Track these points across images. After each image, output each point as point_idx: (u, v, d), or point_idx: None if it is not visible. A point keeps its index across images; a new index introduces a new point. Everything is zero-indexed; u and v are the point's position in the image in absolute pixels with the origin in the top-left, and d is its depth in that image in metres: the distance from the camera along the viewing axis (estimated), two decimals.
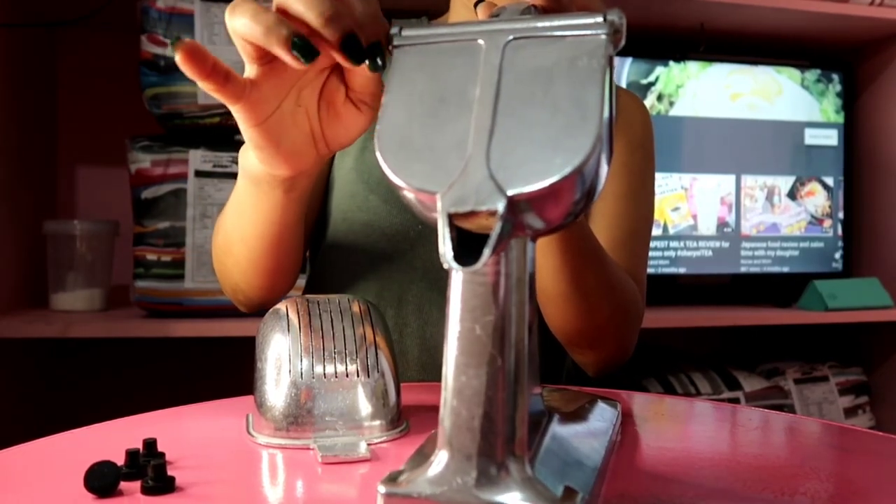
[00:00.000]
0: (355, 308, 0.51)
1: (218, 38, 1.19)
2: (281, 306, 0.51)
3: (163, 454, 0.42)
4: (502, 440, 0.33)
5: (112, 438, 0.49)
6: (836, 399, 1.68)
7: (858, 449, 0.49)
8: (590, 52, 0.34)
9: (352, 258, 0.77)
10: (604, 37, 0.34)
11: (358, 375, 0.48)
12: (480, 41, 0.36)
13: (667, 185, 1.60)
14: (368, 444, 0.47)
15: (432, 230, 0.76)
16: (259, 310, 0.75)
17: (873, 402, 1.73)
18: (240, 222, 0.63)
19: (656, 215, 1.59)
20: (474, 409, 0.33)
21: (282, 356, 0.48)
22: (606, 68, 0.34)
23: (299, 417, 0.47)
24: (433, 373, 0.75)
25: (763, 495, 0.39)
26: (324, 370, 0.48)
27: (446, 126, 0.34)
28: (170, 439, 0.48)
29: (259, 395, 0.48)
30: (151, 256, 1.20)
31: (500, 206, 0.31)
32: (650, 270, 1.58)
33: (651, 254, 1.58)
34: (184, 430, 0.51)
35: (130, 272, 1.23)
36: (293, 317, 0.49)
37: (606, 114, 0.33)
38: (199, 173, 1.20)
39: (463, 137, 0.34)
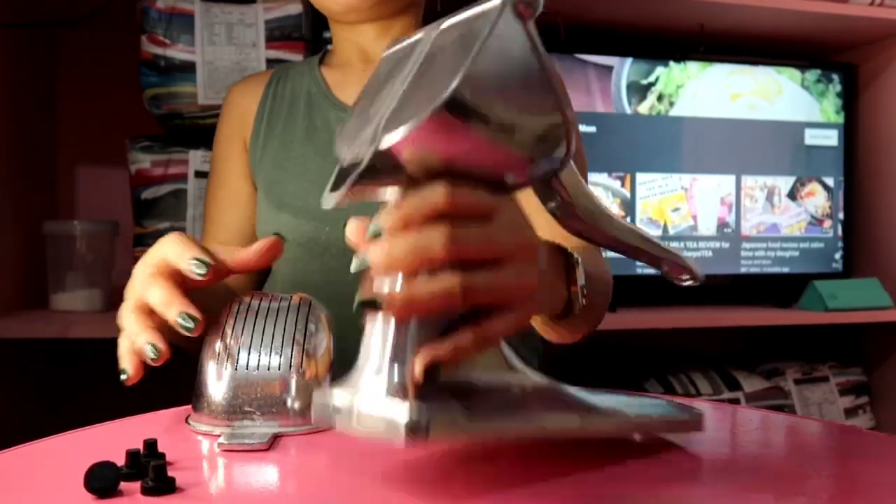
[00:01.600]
0: (294, 303, 0.53)
1: (218, 38, 1.19)
2: (226, 305, 0.53)
3: (163, 455, 0.42)
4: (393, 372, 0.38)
5: (112, 439, 0.49)
6: (837, 399, 1.68)
7: (858, 449, 0.49)
8: (481, 22, 0.37)
9: (273, 270, 0.85)
10: (498, 3, 0.37)
11: (279, 368, 0.49)
12: (422, 34, 0.43)
13: (667, 186, 1.60)
14: (279, 435, 0.48)
15: (340, 234, 0.79)
16: None
17: (873, 403, 1.73)
18: None
19: (656, 216, 1.59)
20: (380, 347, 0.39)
21: (215, 348, 0.50)
22: (490, 32, 0.36)
23: (218, 406, 0.49)
24: (345, 364, 0.78)
25: (763, 495, 0.39)
26: (247, 362, 0.49)
27: (381, 104, 0.40)
28: (170, 440, 0.48)
29: (195, 384, 0.50)
30: None
31: (367, 158, 0.38)
32: (650, 271, 1.58)
33: None
34: (184, 431, 0.51)
35: (130, 272, 1.23)
36: (234, 311, 0.52)
37: (493, 71, 0.36)
38: (199, 174, 1.21)
39: (382, 111, 0.39)
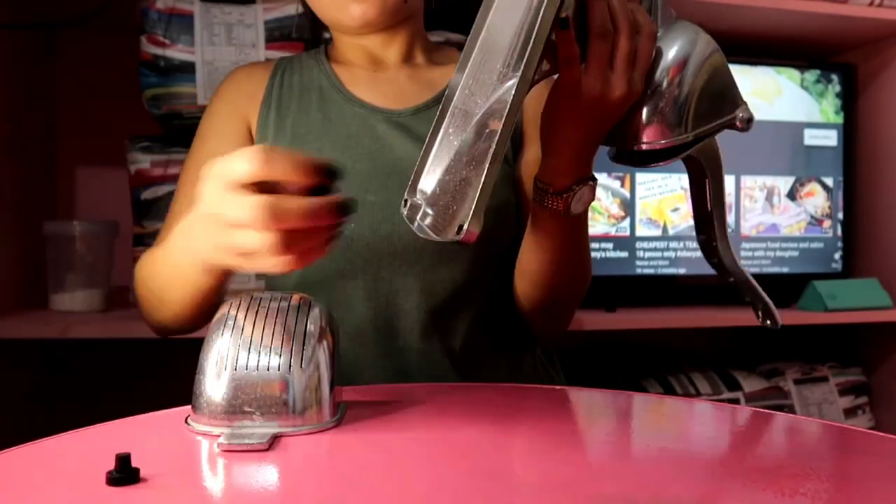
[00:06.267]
0: (294, 303, 0.53)
1: (217, 38, 1.19)
2: (226, 305, 0.53)
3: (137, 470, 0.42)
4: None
5: (112, 439, 0.49)
6: (836, 399, 1.68)
7: (858, 449, 0.49)
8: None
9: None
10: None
11: (279, 368, 0.49)
12: None
13: (666, 186, 1.60)
14: (279, 435, 0.48)
15: (360, 227, 0.79)
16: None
17: (873, 403, 1.73)
18: (171, 292, 0.69)
19: (656, 216, 1.59)
20: None
21: (215, 348, 0.50)
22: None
23: (218, 406, 0.49)
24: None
25: (763, 495, 0.39)
26: (247, 362, 0.49)
27: None
28: (170, 440, 0.48)
29: (195, 384, 0.50)
30: None
31: None
32: (650, 271, 1.59)
33: (651, 254, 1.58)
34: (184, 431, 0.51)
35: (130, 272, 1.22)
36: (233, 312, 0.52)
37: None
38: None
39: None
